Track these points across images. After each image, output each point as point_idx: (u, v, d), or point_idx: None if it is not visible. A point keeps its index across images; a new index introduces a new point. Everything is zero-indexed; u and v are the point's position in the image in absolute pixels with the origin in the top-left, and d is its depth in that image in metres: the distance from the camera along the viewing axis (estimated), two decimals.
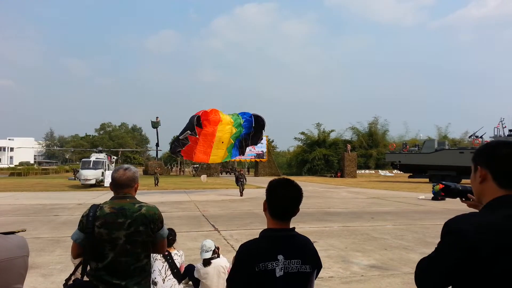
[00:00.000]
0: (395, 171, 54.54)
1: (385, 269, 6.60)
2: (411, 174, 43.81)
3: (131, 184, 2.67)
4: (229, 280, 1.95)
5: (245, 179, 23.32)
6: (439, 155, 39.75)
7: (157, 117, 64.65)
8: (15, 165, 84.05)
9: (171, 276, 4.57)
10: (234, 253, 2.16)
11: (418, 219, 12.78)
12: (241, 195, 21.85)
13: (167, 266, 4.59)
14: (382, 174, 59.52)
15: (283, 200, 1.96)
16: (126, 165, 2.79)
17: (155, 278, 4.49)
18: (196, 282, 5.13)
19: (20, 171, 60.80)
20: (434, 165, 39.21)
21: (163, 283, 4.50)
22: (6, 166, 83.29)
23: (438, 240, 1.45)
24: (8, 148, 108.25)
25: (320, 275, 6.45)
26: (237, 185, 22.83)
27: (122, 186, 2.64)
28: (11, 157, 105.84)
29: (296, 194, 1.99)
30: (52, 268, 6.46)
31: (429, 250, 6.75)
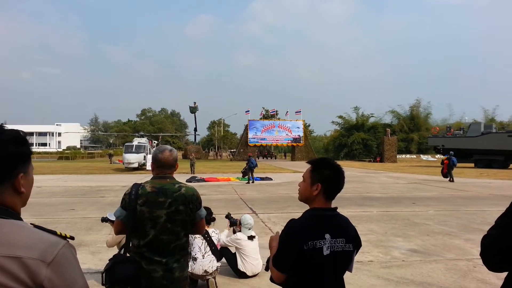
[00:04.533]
0: (438, 155, 52.60)
1: (428, 254, 6.44)
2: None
3: (174, 164, 2.75)
4: (276, 257, 1.96)
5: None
6: (485, 139, 37.83)
7: (194, 102, 65.58)
8: (63, 149, 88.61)
9: (210, 253, 4.79)
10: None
11: (462, 204, 12.31)
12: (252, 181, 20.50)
13: (206, 244, 4.80)
14: (424, 158, 57.63)
15: (340, 180, 2.02)
16: (169, 147, 2.84)
17: (195, 254, 4.73)
18: (232, 262, 5.27)
19: (68, 155, 64.00)
20: (480, 149, 37.42)
21: (203, 258, 4.73)
22: (54, 150, 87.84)
23: (484, 226, 1.47)
24: (56, 133, 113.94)
25: (359, 259, 6.41)
26: (248, 173, 20.58)
27: (167, 167, 2.71)
28: (59, 142, 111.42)
29: (344, 174, 2.05)
30: (100, 246, 6.80)
31: (474, 236, 6.52)
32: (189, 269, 4.45)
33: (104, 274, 2.46)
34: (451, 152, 22.48)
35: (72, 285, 1.10)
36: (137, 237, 2.57)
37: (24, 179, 1.19)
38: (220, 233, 5.26)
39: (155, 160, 2.74)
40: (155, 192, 2.58)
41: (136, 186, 2.64)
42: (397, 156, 52.99)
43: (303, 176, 2.08)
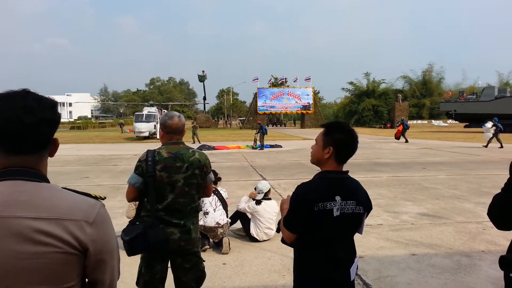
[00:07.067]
0: (449, 121, 51.97)
1: (437, 217, 6.49)
2: (467, 124, 41.53)
3: (183, 130, 2.80)
4: (286, 218, 1.99)
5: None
6: (499, 103, 37.10)
7: (203, 71, 64.97)
8: (74, 119, 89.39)
9: (221, 207, 5.10)
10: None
11: (473, 169, 12.27)
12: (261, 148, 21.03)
13: (217, 199, 5.11)
14: (435, 124, 56.98)
15: (352, 144, 2.00)
16: (177, 113, 2.86)
17: (207, 209, 5.00)
18: (246, 226, 5.40)
19: (80, 125, 64.65)
20: (494, 114, 36.75)
21: (214, 212, 5.01)
22: (66, 120, 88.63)
23: (495, 190, 1.44)
24: (67, 103, 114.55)
25: (369, 222, 6.48)
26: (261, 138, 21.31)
27: (177, 132, 2.75)
28: (70, 112, 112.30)
29: (357, 138, 2.03)
30: (115, 212, 6.98)
31: (484, 199, 6.55)
32: (202, 223, 4.77)
33: (131, 241, 2.45)
34: (403, 118, 28.89)
35: (109, 242, 1.18)
36: (155, 202, 2.61)
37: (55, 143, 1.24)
38: (226, 192, 5.42)
39: (164, 127, 2.75)
40: (171, 157, 2.62)
41: (151, 152, 2.65)
42: (408, 122, 52.40)
43: (315, 139, 2.09)
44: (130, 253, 2.51)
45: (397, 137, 25.47)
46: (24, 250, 1.03)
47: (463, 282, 3.99)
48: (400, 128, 25.44)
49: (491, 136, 19.95)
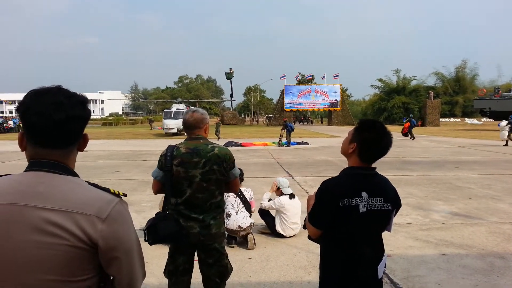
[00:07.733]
0: (484, 119, 50.14)
1: (469, 217, 6.28)
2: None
3: (199, 125, 2.78)
4: (311, 214, 1.99)
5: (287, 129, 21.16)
6: None
7: (230, 68, 65.35)
8: (106, 116, 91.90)
9: (243, 209, 5.03)
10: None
11: (508, 168, 11.79)
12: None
13: (239, 201, 5.04)
14: (469, 122, 55.08)
15: (380, 145, 1.96)
16: (194, 108, 2.90)
17: (229, 211, 4.95)
18: (271, 223, 5.39)
19: (111, 121, 66.39)
20: None
21: (236, 215, 4.95)
22: (98, 117, 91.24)
23: None
24: (99, 100, 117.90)
25: (398, 221, 6.34)
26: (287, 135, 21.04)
27: (192, 127, 2.78)
28: (102, 109, 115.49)
29: (391, 142, 1.98)
30: (144, 205, 7.16)
31: None
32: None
33: (146, 231, 2.59)
34: (410, 114, 30.84)
35: (124, 240, 1.18)
36: (174, 196, 2.69)
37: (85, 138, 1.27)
38: (252, 192, 5.36)
39: (183, 122, 2.85)
40: (189, 152, 2.67)
41: (171, 147, 2.74)
42: (440, 120, 50.91)
43: (349, 132, 2.08)
44: (148, 242, 2.62)
45: (404, 134, 25.56)
46: (35, 239, 1.06)
47: (496, 284, 3.85)
48: (407, 125, 25.72)
49: (507, 133, 19.63)
